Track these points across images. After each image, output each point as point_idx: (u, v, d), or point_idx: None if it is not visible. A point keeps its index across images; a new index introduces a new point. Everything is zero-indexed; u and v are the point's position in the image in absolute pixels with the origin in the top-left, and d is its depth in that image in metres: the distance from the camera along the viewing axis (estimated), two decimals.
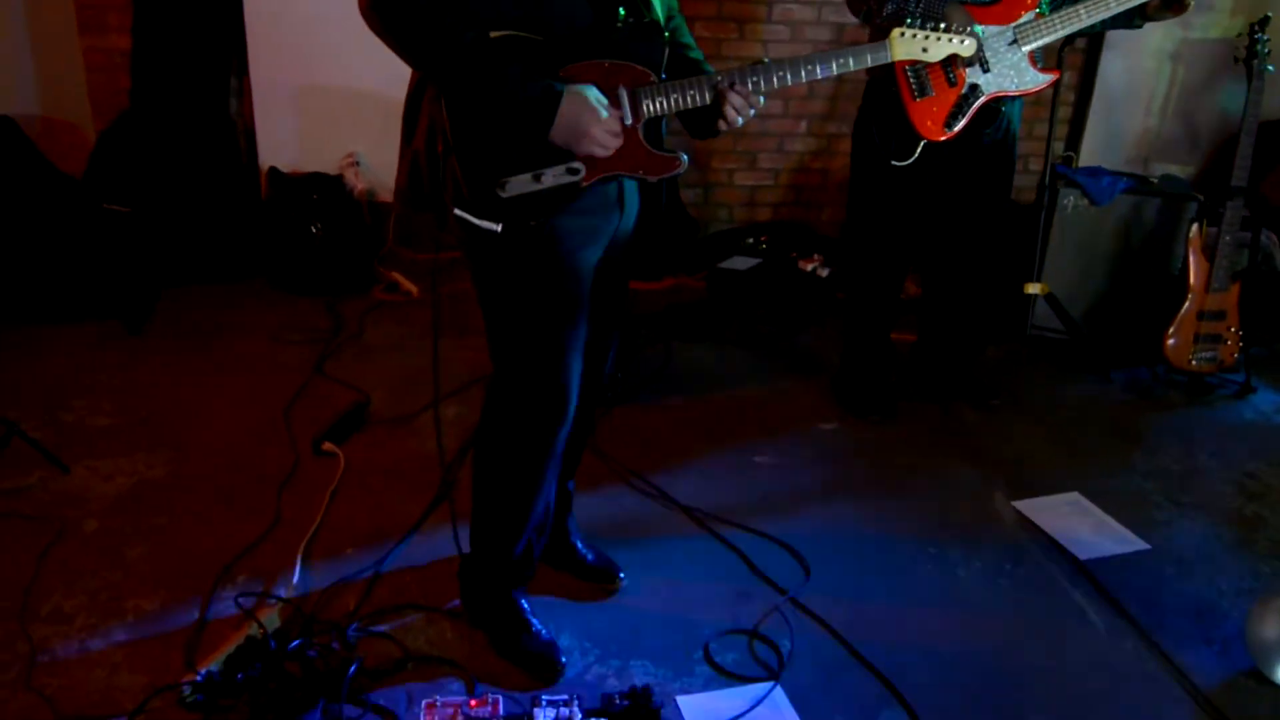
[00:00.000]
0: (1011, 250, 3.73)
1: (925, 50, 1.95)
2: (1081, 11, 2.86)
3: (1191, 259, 3.53)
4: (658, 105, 1.88)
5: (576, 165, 1.85)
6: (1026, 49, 2.86)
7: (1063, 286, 3.83)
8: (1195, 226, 3.53)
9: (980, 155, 3.06)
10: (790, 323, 4.16)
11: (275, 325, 3.91)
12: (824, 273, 4.52)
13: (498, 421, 2.12)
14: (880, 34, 2.90)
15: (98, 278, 3.95)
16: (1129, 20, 3.00)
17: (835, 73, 1.94)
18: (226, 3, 4.27)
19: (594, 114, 1.80)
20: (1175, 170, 5.04)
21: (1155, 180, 3.85)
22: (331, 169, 4.46)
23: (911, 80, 2.84)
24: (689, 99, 1.89)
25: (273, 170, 4.39)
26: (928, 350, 3.53)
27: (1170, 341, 3.58)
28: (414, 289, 4.21)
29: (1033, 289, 3.77)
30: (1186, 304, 3.55)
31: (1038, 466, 3.14)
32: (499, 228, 1.86)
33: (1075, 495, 2.97)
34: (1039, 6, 2.86)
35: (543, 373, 2.02)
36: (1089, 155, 4.93)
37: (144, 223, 4.11)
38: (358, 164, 4.49)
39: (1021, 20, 2.85)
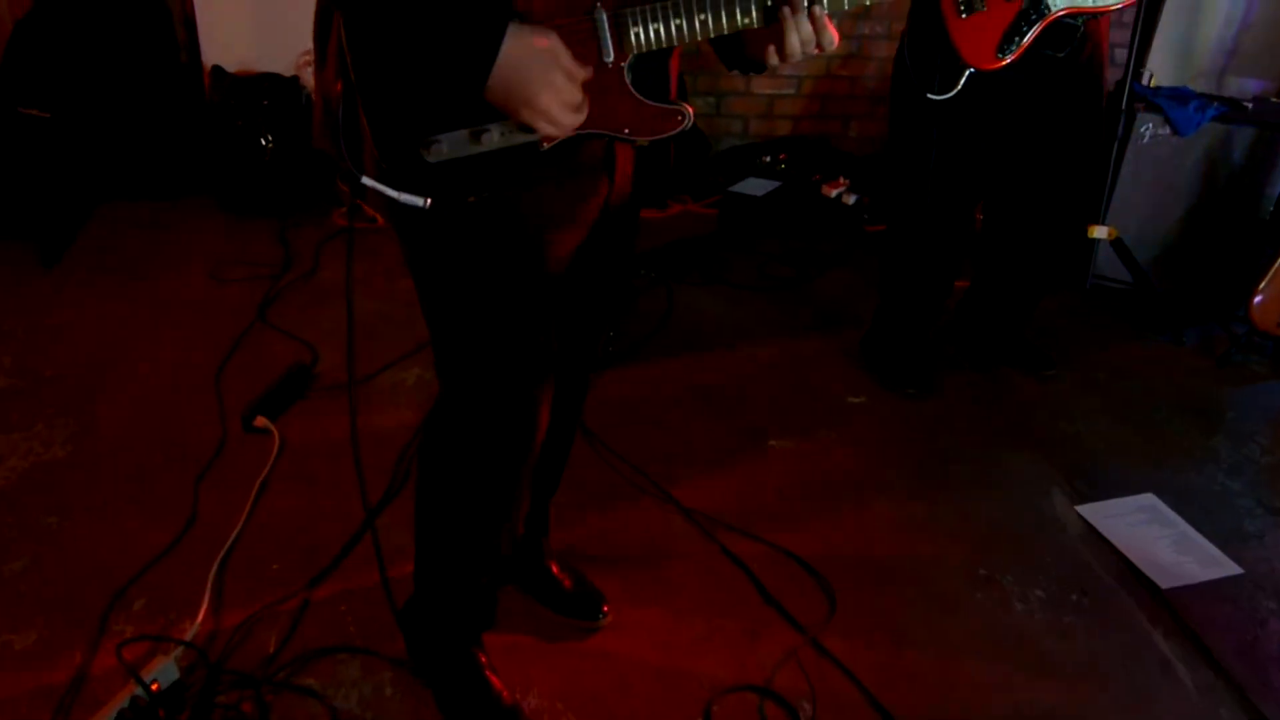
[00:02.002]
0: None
1: None
2: None
3: None
4: (651, 35, 1.32)
5: None
6: None
7: (1130, 228, 3.28)
8: None
9: (1057, 83, 2.48)
10: (812, 262, 3.63)
11: (216, 256, 3.38)
12: (850, 199, 3.97)
13: (444, 450, 1.63)
14: None
15: (10, 195, 3.41)
16: None
17: None
18: None
19: (546, 74, 1.25)
20: (1253, 84, 4.43)
21: (1248, 105, 3.26)
22: (286, 69, 3.86)
23: None
24: (699, 24, 1.32)
25: (216, 70, 3.79)
26: (981, 299, 2.99)
27: (1258, 299, 3.05)
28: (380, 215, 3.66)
29: (1098, 233, 3.23)
30: None
31: (1102, 455, 2.66)
32: (425, 204, 1.34)
33: (1150, 498, 2.50)
34: None
35: (500, 396, 1.52)
36: (1157, 68, 4.28)
37: (66, 130, 3.54)
38: None
39: None
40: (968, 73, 2.32)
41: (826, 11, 1.32)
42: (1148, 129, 3.22)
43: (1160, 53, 4.35)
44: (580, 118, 1.31)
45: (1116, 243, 3.25)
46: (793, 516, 2.36)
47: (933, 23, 2.30)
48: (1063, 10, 2.27)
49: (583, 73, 1.29)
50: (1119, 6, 2.31)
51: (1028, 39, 2.28)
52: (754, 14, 1.31)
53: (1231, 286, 3.33)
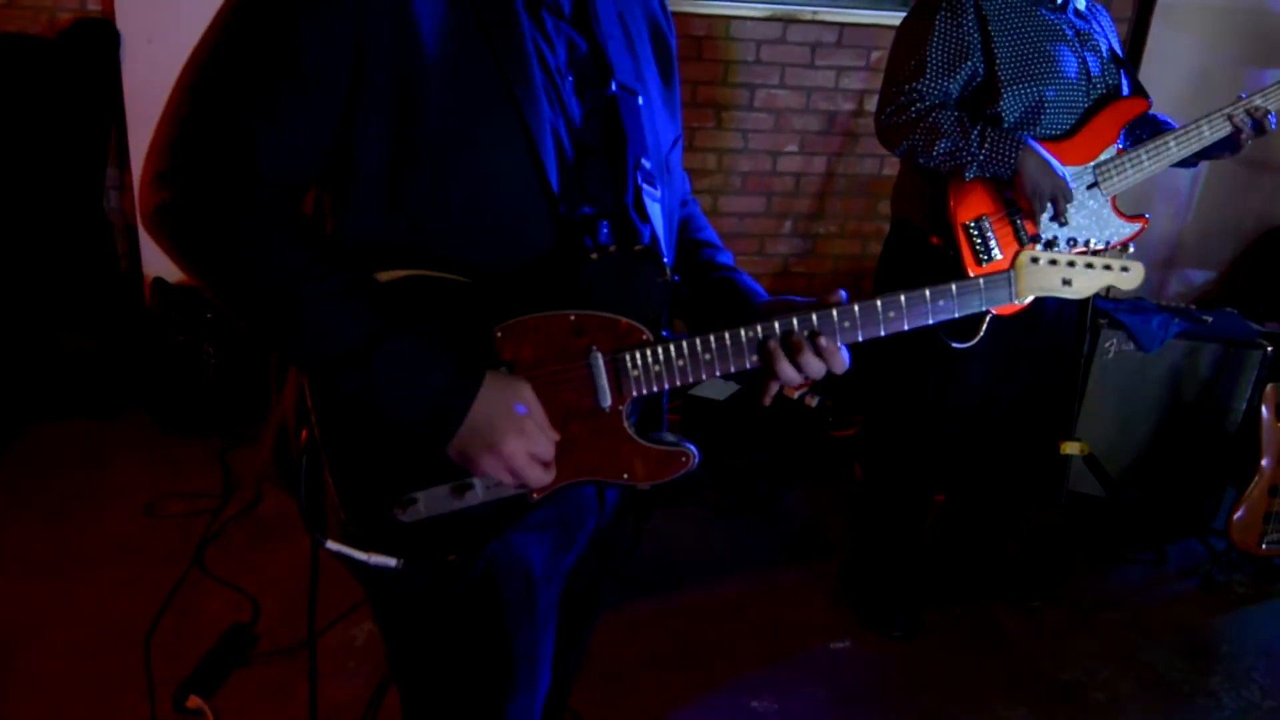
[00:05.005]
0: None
1: (1069, 282, 1.33)
2: (1171, 144, 2.29)
3: (1265, 422, 2.94)
4: (652, 378, 1.21)
5: None
6: (1110, 193, 2.27)
7: (1100, 442, 3.24)
8: (1271, 387, 2.95)
9: (1040, 325, 2.45)
10: (781, 475, 3.51)
11: (151, 486, 3.15)
12: (813, 401, 3.89)
13: None
14: (918, 174, 2.33)
15: None
16: (1223, 149, 2.41)
17: (933, 323, 1.29)
18: (102, 78, 3.54)
19: (515, 420, 1.12)
20: (1199, 276, 4.54)
21: (1209, 319, 3.28)
22: None
23: (975, 239, 2.22)
24: (705, 364, 1.22)
25: (158, 281, 3.65)
26: (961, 523, 2.87)
27: (1238, 516, 2.99)
28: None
29: (1070, 449, 3.17)
30: (1256, 478, 2.96)
31: (1105, 710, 2.51)
32: (397, 564, 1.20)
33: None
34: (1119, 139, 2.29)
35: None
36: None
37: None
38: None
39: (1102, 158, 2.27)
40: (988, 319, 2.28)
41: (835, 342, 1.23)
42: (1112, 345, 3.21)
43: None
44: (549, 476, 1.18)
45: (1089, 458, 3.19)
46: None
47: (948, 271, 2.26)
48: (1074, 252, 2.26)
49: (553, 432, 1.17)
50: (1121, 244, 2.31)
51: None
52: (751, 355, 1.22)
53: (1204, 499, 3.28)
